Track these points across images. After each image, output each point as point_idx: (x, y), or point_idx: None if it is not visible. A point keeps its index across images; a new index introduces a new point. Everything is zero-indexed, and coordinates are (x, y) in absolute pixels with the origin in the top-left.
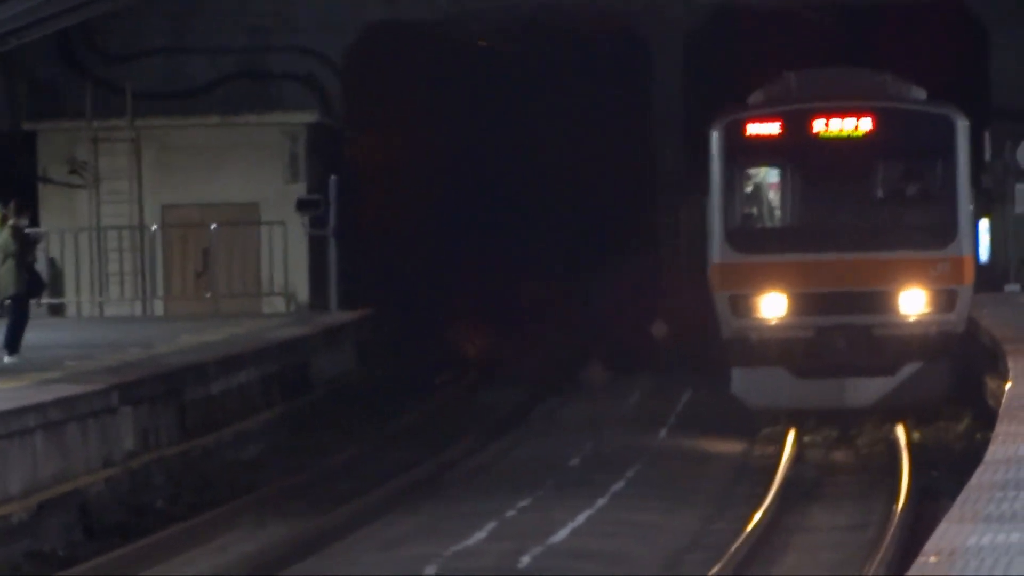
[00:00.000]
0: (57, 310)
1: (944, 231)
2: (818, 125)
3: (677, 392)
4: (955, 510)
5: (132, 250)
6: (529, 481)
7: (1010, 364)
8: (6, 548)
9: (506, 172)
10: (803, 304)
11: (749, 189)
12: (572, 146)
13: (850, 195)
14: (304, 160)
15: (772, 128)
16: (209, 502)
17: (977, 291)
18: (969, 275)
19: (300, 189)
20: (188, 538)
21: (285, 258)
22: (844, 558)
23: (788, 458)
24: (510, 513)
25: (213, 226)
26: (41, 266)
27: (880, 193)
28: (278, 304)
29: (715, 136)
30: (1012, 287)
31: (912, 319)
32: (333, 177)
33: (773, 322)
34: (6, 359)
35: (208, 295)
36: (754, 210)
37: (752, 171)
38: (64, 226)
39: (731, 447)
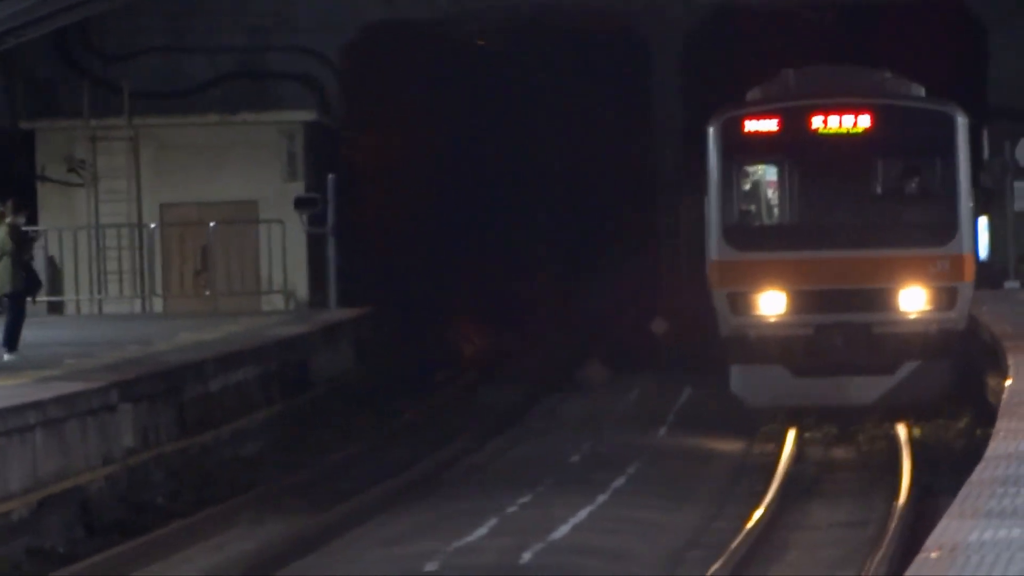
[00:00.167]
0: (56, 308)
1: (944, 228)
2: (817, 122)
3: (677, 390)
4: (956, 506)
5: (131, 248)
6: (530, 478)
7: (1010, 361)
8: (7, 545)
9: (505, 171)
10: (802, 302)
11: (747, 186)
12: (571, 145)
13: (849, 192)
14: (302, 159)
15: (770, 125)
16: (208, 500)
17: (976, 288)
18: (969, 273)
19: (298, 188)
20: (187, 535)
21: (284, 256)
22: (845, 555)
23: (788, 455)
24: (511, 509)
25: (212, 224)
26: (40, 265)
27: (879, 190)
28: (277, 302)
29: (713, 133)
30: (1011, 284)
31: (912, 317)
32: (331, 176)
33: (772, 320)
34: (5, 357)
35: (207, 293)
36: (752, 207)
37: (750, 168)
38: (63, 225)
39: (731, 444)
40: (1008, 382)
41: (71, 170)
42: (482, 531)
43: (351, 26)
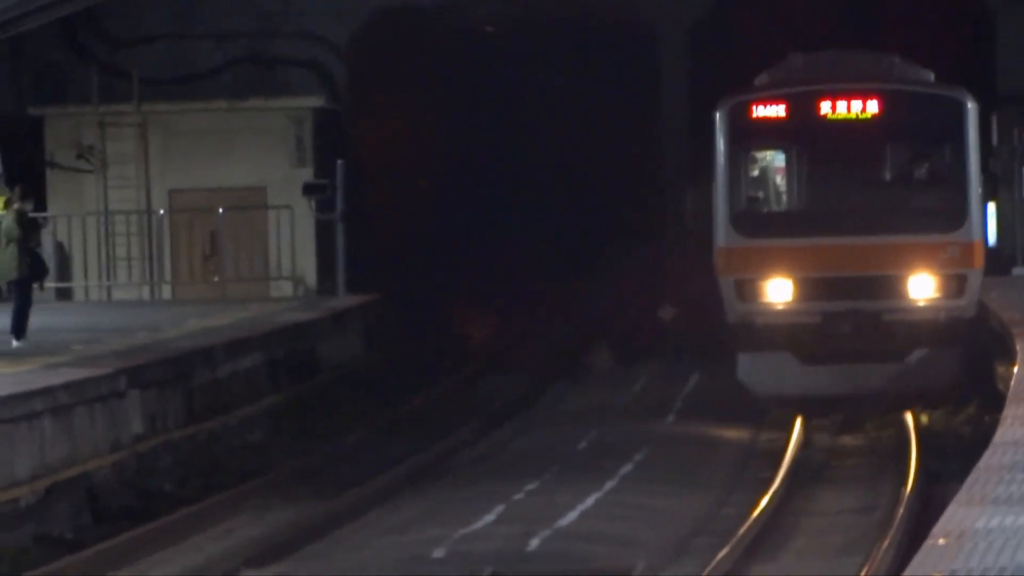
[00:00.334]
0: (65, 294)
1: (953, 215)
2: (825, 107)
3: (684, 377)
4: (963, 493)
5: (139, 234)
6: (536, 465)
7: (1018, 347)
8: (14, 532)
9: (513, 158)
10: (810, 289)
11: (755, 172)
12: (579, 132)
13: (857, 178)
14: (310, 145)
15: (778, 110)
16: (216, 486)
17: (985, 275)
18: (979, 259)
19: (307, 173)
20: (195, 522)
21: (292, 242)
22: (852, 541)
23: (796, 442)
24: (518, 496)
25: (220, 210)
26: (48, 251)
27: (888, 176)
28: (285, 288)
29: (720, 118)
30: (1020, 270)
31: (921, 304)
32: (340, 161)
33: (779, 307)
34: (14, 343)
35: (215, 279)
36: (760, 193)
37: (758, 154)
38: (71, 211)
39: (739, 431)
40: (1016, 369)
41: (80, 156)
42: (489, 518)
43: (359, 12)
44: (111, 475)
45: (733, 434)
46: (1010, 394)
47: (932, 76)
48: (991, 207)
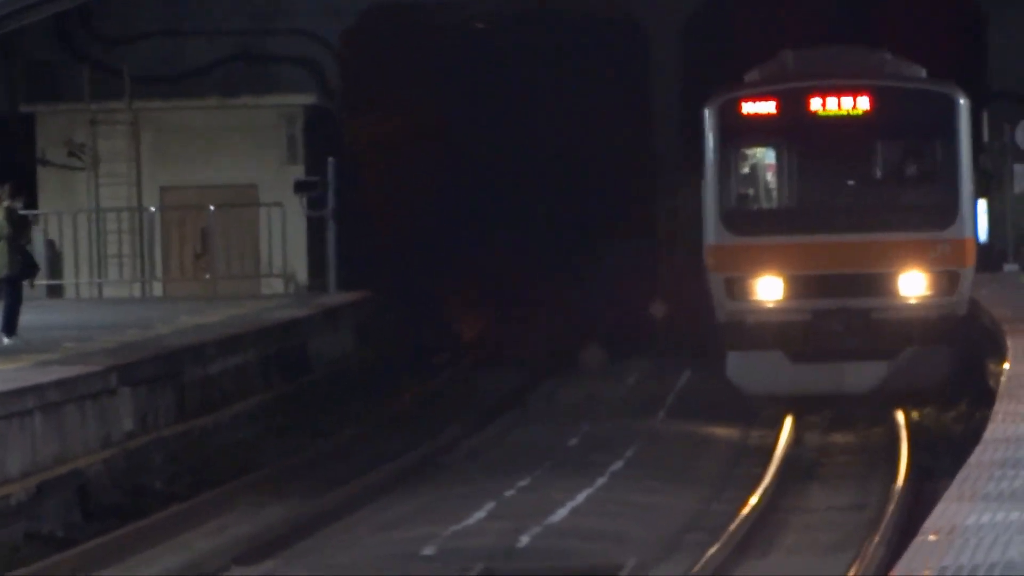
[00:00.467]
0: (56, 292)
1: (945, 212)
2: (815, 104)
3: (675, 374)
4: (954, 489)
5: (131, 232)
6: (528, 462)
7: (1009, 344)
8: (5, 529)
9: (505, 155)
10: (800, 287)
11: (745, 169)
12: (570, 128)
13: (848, 175)
14: (302, 142)
15: (768, 107)
16: (207, 483)
17: (976, 272)
18: (970, 257)
19: (298, 171)
20: (186, 519)
21: (284, 239)
22: (843, 538)
23: (786, 439)
24: (509, 493)
25: (211, 208)
26: (39, 248)
27: (879, 173)
28: (277, 285)
29: (709, 115)
30: (1011, 267)
31: (912, 302)
32: (331, 159)
33: (769, 305)
34: (5, 341)
35: (207, 276)
36: (750, 191)
37: (748, 151)
38: (63, 208)
39: (730, 428)
40: (1007, 365)
41: (71, 154)
42: (480, 515)
43: (351, 9)
44: (102, 472)
45: (724, 431)
46: (1001, 391)
47: (924, 72)
48: (982, 204)
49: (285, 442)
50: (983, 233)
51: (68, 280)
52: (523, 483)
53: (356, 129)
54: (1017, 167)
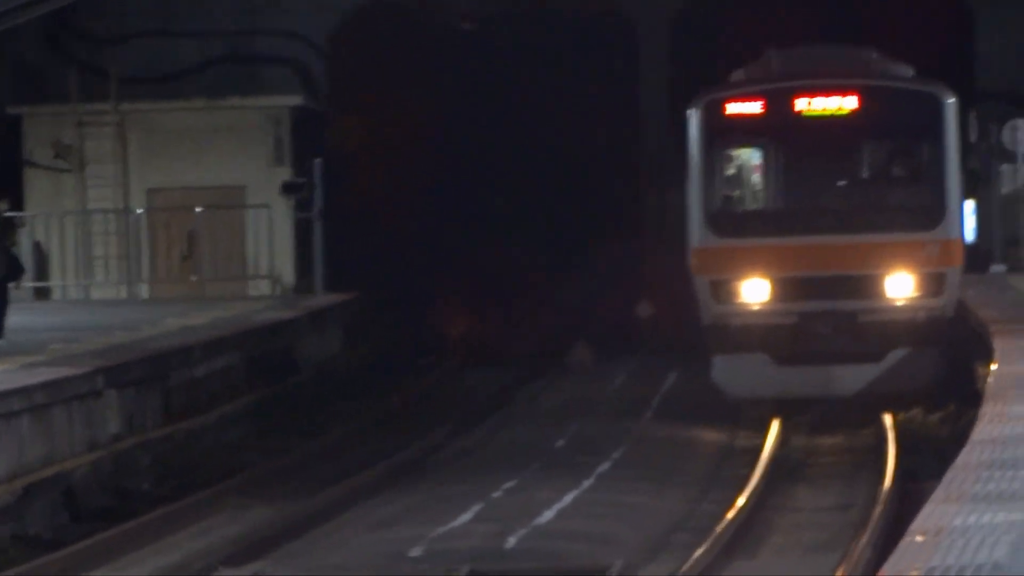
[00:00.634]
0: (43, 293)
1: (932, 213)
2: (801, 104)
3: (662, 375)
4: (941, 490)
5: (118, 233)
6: (515, 463)
7: (996, 345)
8: None
9: (492, 155)
10: (786, 289)
11: (730, 171)
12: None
13: (834, 176)
14: (289, 144)
15: (753, 107)
16: (194, 485)
17: (964, 273)
18: (958, 257)
19: (285, 172)
20: (173, 521)
21: (270, 241)
22: (829, 538)
23: (773, 440)
24: (496, 494)
25: (198, 209)
26: (26, 250)
27: (865, 174)
28: (263, 287)
29: (694, 116)
30: (998, 268)
31: (899, 304)
32: (318, 160)
33: (755, 308)
34: None
35: (194, 278)
36: (735, 192)
37: (733, 152)
38: (50, 210)
39: (716, 429)
40: (994, 367)
41: (58, 155)
42: (467, 516)
43: (338, 10)
44: (89, 474)
45: (711, 432)
46: (987, 392)
47: (911, 71)
48: (969, 204)
49: (272, 444)
50: (970, 234)
51: (55, 282)
52: (510, 484)
53: (343, 130)
54: (1004, 167)
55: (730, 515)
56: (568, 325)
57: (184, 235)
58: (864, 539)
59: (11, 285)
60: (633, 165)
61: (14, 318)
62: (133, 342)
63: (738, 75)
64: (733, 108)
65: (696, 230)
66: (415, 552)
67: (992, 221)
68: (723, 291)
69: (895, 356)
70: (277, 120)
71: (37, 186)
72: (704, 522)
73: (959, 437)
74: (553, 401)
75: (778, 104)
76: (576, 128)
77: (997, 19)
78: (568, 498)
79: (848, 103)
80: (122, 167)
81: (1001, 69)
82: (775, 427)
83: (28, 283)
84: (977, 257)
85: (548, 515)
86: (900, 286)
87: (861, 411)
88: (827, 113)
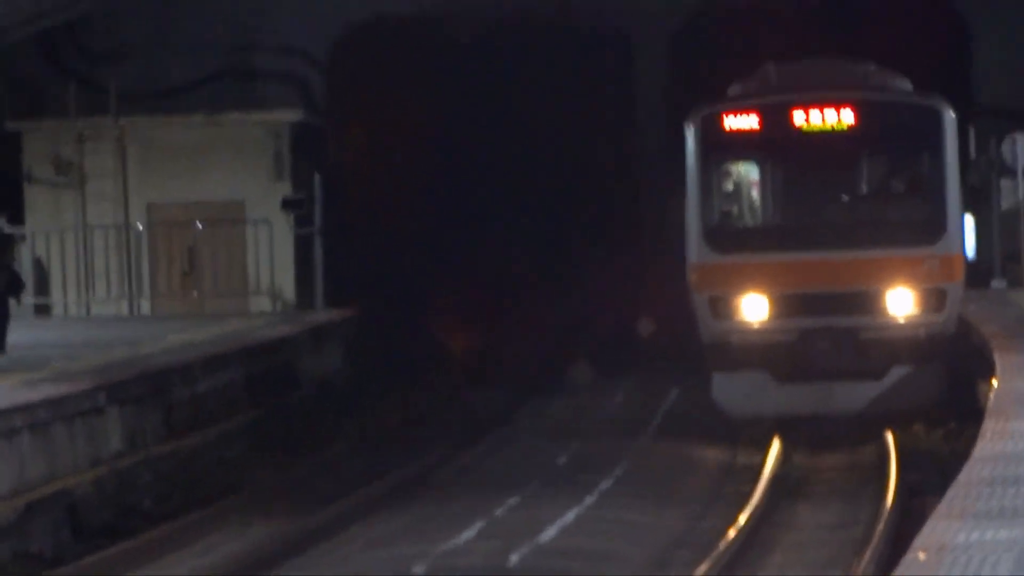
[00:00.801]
0: (43, 310)
1: (932, 228)
2: (799, 118)
3: (663, 391)
4: (943, 507)
5: (118, 249)
6: (517, 480)
7: (997, 361)
8: None
9: (492, 170)
10: (786, 306)
11: (728, 186)
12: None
13: (833, 191)
14: (289, 159)
15: (751, 121)
16: (196, 502)
17: (964, 288)
18: (959, 273)
19: (285, 188)
20: (175, 538)
21: (271, 257)
22: (832, 555)
23: (775, 457)
24: (498, 512)
25: (199, 225)
26: (27, 266)
27: (865, 189)
28: (264, 303)
29: (691, 130)
30: (998, 283)
31: (900, 320)
32: (318, 176)
33: (754, 325)
34: None
35: (194, 294)
36: (733, 207)
37: (731, 167)
38: (50, 226)
39: (718, 445)
40: (995, 383)
41: (58, 171)
42: (469, 533)
43: (337, 24)
44: (91, 491)
45: (712, 448)
46: (989, 408)
47: (909, 85)
48: (969, 219)
49: (273, 460)
50: (971, 249)
51: (56, 298)
52: (512, 501)
53: (343, 145)
54: (1004, 182)
55: (732, 532)
56: (568, 341)
57: (184, 251)
58: (866, 556)
59: (12, 301)
60: (632, 179)
61: (15, 334)
62: (134, 358)
63: (735, 89)
64: (730, 122)
65: (694, 246)
66: (418, 569)
67: (992, 236)
68: (722, 308)
69: (896, 373)
70: (277, 135)
71: (37, 202)
72: (706, 539)
73: (961, 454)
74: (554, 418)
75: (775, 118)
76: (575, 143)
77: (996, 32)
78: (570, 515)
79: (847, 117)
80: (122, 182)
81: (1000, 84)
82: (777, 444)
83: (29, 299)
84: (977, 272)
85: (551, 532)
86: (901, 302)
87: (862, 428)
88: (826, 127)
